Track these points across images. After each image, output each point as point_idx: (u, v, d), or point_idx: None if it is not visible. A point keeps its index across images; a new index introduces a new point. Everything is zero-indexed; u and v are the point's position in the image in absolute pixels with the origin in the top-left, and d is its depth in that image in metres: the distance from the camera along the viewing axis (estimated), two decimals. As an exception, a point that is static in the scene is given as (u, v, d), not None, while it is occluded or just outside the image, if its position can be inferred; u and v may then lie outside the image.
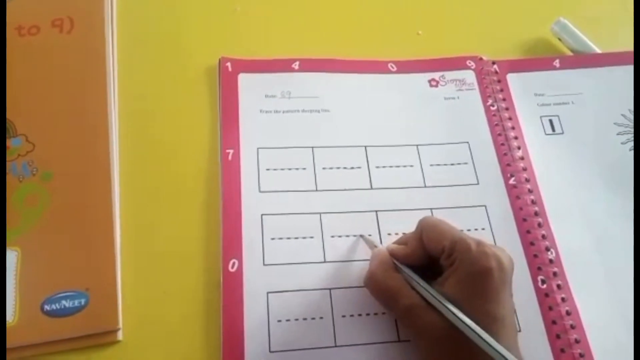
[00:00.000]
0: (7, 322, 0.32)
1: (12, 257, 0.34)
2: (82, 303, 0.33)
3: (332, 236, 0.37)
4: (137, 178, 0.38)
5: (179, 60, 0.43)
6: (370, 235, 0.37)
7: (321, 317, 0.34)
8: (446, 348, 0.29)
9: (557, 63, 0.45)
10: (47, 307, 0.32)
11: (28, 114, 0.38)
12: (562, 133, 0.43)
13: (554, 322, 0.34)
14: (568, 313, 0.35)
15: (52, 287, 0.33)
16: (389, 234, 0.37)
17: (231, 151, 0.39)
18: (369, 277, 0.33)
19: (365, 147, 0.40)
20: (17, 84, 0.39)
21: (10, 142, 0.37)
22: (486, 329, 0.27)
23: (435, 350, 0.29)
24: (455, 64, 0.45)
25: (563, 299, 0.35)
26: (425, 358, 0.30)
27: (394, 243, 0.34)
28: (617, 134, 0.43)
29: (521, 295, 0.33)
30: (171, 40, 0.44)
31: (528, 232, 0.38)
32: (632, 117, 0.43)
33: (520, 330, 0.34)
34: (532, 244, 0.37)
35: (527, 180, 0.40)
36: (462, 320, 0.28)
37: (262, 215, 0.37)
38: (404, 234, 0.37)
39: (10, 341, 0.31)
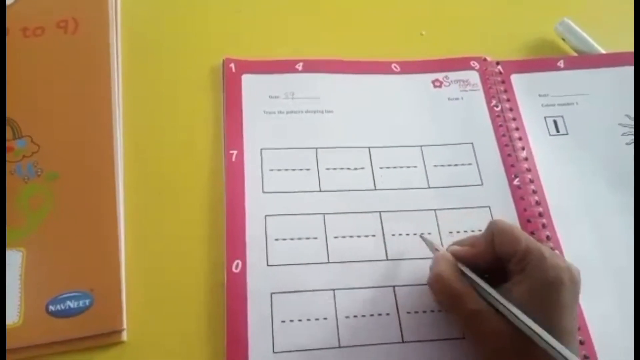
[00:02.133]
0: (12, 323, 0.32)
1: (17, 258, 0.34)
2: (87, 304, 0.33)
3: (336, 237, 0.37)
4: (141, 179, 0.38)
5: (182, 61, 0.43)
6: (373, 235, 0.37)
7: (325, 318, 0.34)
8: (510, 355, 0.28)
9: (561, 63, 0.45)
10: (52, 308, 0.33)
11: (33, 115, 0.38)
12: (567, 134, 0.42)
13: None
14: (572, 315, 0.35)
15: (56, 288, 0.33)
16: (393, 235, 0.37)
17: (235, 152, 0.39)
18: (436, 278, 0.32)
19: (369, 147, 0.40)
20: (22, 85, 0.39)
21: (15, 144, 0.37)
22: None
23: (499, 357, 0.29)
24: (459, 64, 0.45)
25: (567, 301, 0.35)
26: None
27: (455, 244, 0.34)
28: (622, 135, 0.42)
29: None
30: (175, 41, 0.44)
31: (532, 233, 0.37)
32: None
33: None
34: (536, 245, 0.37)
35: (532, 181, 0.39)
36: (534, 330, 0.27)
37: (265, 216, 0.37)
38: (407, 235, 0.37)
39: (15, 342, 0.31)
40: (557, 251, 0.37)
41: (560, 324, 0.28)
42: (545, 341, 0.27)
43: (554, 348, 0.27)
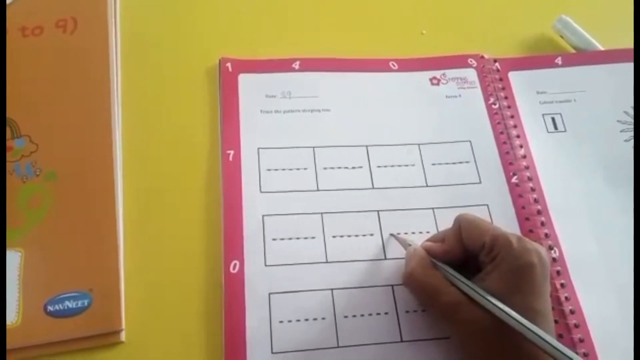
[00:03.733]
0: (10, 323, 0.32)
1: (15, 258, 0.34)
2: (86, 304, 0.33)
3: (334, 236, 0.37)
4: (139, 179, 0.38)
5: (180, 61, 0.43)
6: (371, 234, 0.37)
7: (323, 318, 0.34)
8: (490, 342, 0.29)
9: (559, 60, 0.45)
10: (50, 308, 0.33)
11: (31, 115, 0.38)
12: (565, 131, 0.42)
13: (556, 321, 0.34)
14: (572, 312, 0.35)
15: (55, 288, 0.33)
16: (391, 234, 0.37)
17: (232, 152, 0.39)
18: (409, 275, 0.33)
19: (367, 146, 0.40)
20: (20, 84, 0.39)
21: (13, 143, 0.37)
22: (530, 322, 0.28)
23: (479, 345, 0.29)
24: (456, 62, 0.45)
25: (567, 298, 0.35)
26: (469, 354, 0.30)
27: (428, 240, 0.35)
28: (620, 131, 0.42)
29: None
30: (173, 41, 0.44)
31: (531, 231, 0.37)
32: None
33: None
34: (534, 243, 0.37)
35: (530, 179, 0.39)
36: (509, 314, 0.28)
37: (263, 215, 0.37)
38: (405, 233, 0.37)
39: (14, 342, 0.32)
40: (554, 245, 0.37)
41: (533, 306, 0.29)
42: (518, 322, 0.28)
43: (528, 329, 0.27)
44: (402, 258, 0.36)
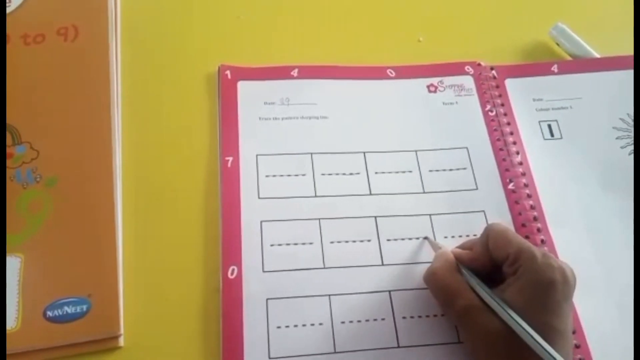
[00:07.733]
0: (9, 328, 0.32)
1: (15, 263, 0.34)
2: (84, 309, 0.33)
3: (332, 242, 0.37)
4: (138, 185, 0.38)
5: (180, 69, 0.43)
6: (368, 240, 0.37)
7: (321, 323, 0.34)
8: (501, 351, 0.29)
9: (555, 68, 0.45)
10: (49, 313, 0.33)
11: (33, 122, 0.39)
12: (561, 138, 0.43)
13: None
14: (568, 318, 0.35)
15: (54, 293, 0.33)
16: (388, 240, 0.37)
17: (230, 158, 0.39)
18: (431, 274, 0.33)
19: (364, 153, 0.40)
20: (22, 91, 0.40)
21: (14, 150, 0.38)
22: (545, 340, 0.28)
23: (489, 353, 0.29)
24: (453, 69, 0.45)
25: (562, 304, 0.35)
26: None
27: (458, 247, 0.35)
28: (616, 138, 0.43)
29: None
30: (173, 49, 0.45)
31: (527, 237, 0.37)
32: (630, 121, 0.43)
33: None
34: (531, 249, 0.37)
35: (526, 186, 0.40)
36: (522, 327, 0.28)
37: (261, 221, 0.37)
38: (402, 240, 0.37)
39: (13, 347, 0.32)
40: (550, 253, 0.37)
41: (550, 323, 0.29)
42: (531, 336, 0.28)
43: (539, 344, 0.27)
44: (401, 264, 0.36)
